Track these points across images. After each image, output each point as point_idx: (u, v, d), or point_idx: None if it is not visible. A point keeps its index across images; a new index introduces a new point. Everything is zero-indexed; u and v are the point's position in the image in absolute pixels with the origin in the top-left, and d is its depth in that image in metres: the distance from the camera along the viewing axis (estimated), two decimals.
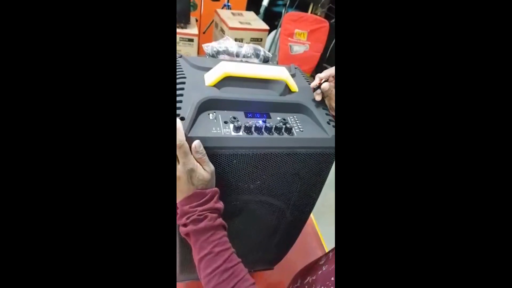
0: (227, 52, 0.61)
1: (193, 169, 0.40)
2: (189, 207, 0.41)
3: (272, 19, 2.59)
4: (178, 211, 0.42)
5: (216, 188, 0.44)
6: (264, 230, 0.63)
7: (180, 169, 0.40)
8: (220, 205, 0.44)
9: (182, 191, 0.41)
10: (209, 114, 0.46)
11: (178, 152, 0.39)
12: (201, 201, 0.41)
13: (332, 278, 0.45)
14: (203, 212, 0.41)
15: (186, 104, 0.45)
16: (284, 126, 0.47)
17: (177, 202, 0.42)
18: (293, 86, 0.54)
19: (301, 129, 0.49)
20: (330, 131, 0.49)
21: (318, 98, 0.53)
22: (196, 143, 0.41)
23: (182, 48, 2.13)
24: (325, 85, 0.51)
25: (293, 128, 0.49)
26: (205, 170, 0.41)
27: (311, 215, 1.04)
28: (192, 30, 2.14)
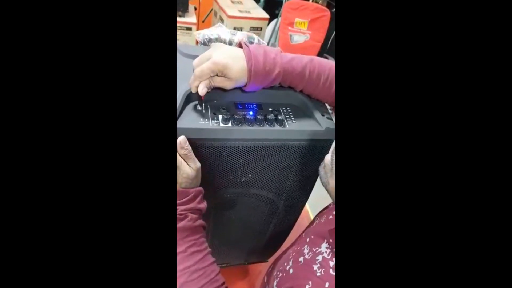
0: (219, 40, 0.59)
1: (177, 166, 0.39)
2: None
3: (272, 7, 2.53)
4: None
5: (200, 188, 0.43)
6: (257, 222, 0.62)
7: None
8: (203, 205, 0.43)
9: None
10: (197, 104, 0.45)
11: None
12: (183, 200, 0.40)
13: (285, 264, 0.45)
14: (184, 212, 0.40)
15: None
16: (275, 117, 0.46)
17: None
18: None
19: (293, 121, 0.48)
20: (324, 123, 0.48)
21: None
22: (181, 138, 0.39)
23: (180, 37, 2.09)
24: (202, 90, 0.42)
25: (285, 120, 0.47)
26: (190, 167, 0.40)
27: (307, 207, 1.04)
28: (191, 18, 2.09)
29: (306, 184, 0.56)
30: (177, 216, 0.39)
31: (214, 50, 0.43)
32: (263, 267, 0.83)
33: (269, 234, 0.67)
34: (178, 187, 0.40)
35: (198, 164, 0.41)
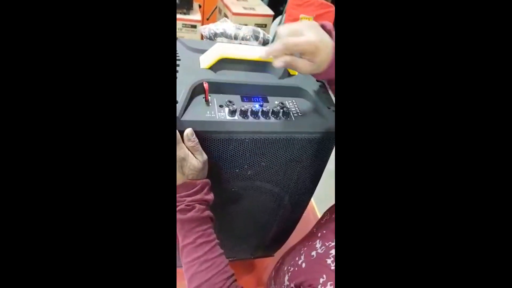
0: (224, 35, 0.59)
1: (184, 158, 0.39)
2: (178, 196, 0.41)
3: (277, 4, 2.52)
4: None
5: (207, 180, 0.43)
6: (263, 216, 0.62)
7: None
8: (210, 196, 0.43)
9: None
10: (203, 97, 0.45)
11: None
12: (190, 191, 0.41)
13: (297, 258, 0.45)
14: (192, 203, 0.40)
15: (179, 87, 0.43)
16: (281, 110, 0.46)
17: None
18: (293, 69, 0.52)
19: (299, 114, 0.48)
20: (330, 116, 0.48)
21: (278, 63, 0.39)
22: (188, 131, 0.40)
23: (185, 35, 2.10)
24: (279, 63, 0.39)
25: (291, 113, 0.47)
26: (196, 159, 0.40)
27: (313, 202, 1.03)
28: (195, 16, 2.10)
29: (312, 178, 0.56)
30: (184, 207, 0.40)
31: (307, 29, 0.38)
32: (270, 261, 0.83)
33: (275, 228, 0.67)
34: (185, 179, 0.41)
35: (205, 156, 0.41)
